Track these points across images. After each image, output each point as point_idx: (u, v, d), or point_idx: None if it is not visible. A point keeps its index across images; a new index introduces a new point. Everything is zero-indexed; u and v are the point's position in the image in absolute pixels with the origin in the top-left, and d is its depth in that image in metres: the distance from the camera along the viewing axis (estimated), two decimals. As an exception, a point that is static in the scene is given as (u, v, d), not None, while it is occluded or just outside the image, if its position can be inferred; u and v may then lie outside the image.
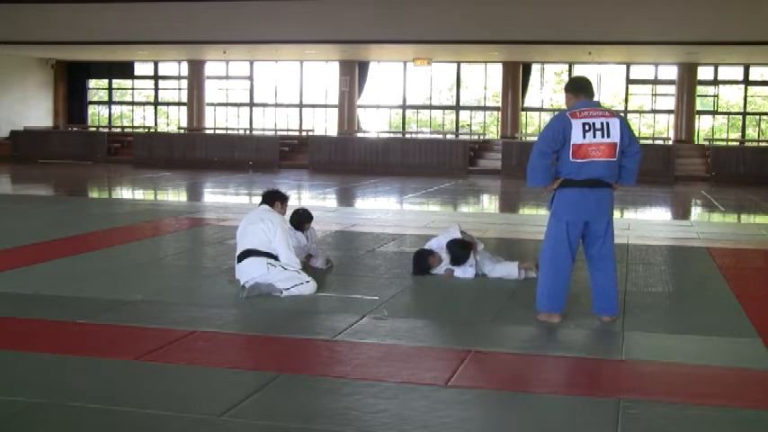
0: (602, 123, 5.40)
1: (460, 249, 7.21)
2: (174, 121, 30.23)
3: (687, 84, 24.74)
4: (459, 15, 20.04)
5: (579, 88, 5.62)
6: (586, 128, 5.38)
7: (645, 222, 12.40)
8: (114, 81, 30.27)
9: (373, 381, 4.35)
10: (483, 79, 27.31)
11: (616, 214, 7.42)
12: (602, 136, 5.39)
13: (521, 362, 4.84)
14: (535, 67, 26.52)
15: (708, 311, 6.20)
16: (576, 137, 5.37)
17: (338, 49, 24.40)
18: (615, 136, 5.42)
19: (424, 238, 8.42)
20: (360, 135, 25.92)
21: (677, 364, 4.79)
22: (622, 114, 5.74)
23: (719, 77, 25.67)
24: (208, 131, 27.57)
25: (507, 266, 7.19)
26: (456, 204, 15.61)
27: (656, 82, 26.17)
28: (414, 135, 26.26)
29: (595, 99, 5.65)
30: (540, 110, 27.39)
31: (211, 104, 28.49)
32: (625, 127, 5.50)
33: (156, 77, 29.50)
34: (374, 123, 27.85)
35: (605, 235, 5.58)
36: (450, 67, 27.13)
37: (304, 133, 26.89)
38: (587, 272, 5.83)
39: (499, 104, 26.33)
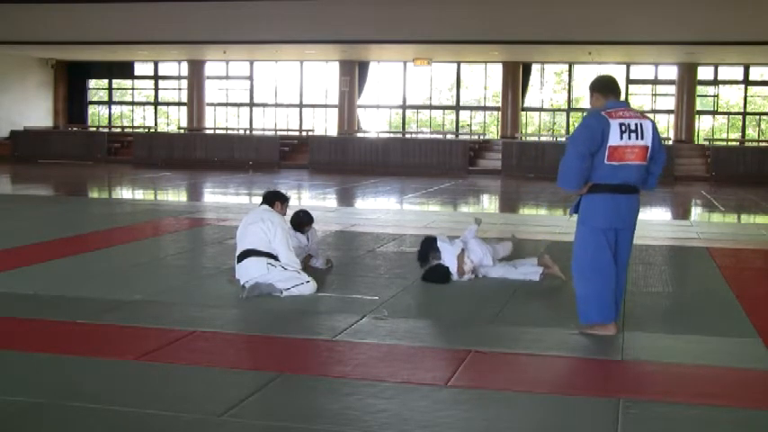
0: (636, 124, 5.19)
1: (420, 245, 7.22)
2: (174, 121, 30.24)
3: (687, 84, 24.75)
4: (459, 15, 20.03)
5: (609, 88, 5.38)
6: (623, 128, 5.14)
7: (645, 222, 12.38)
8: (114, 81, 30.29)
9: (373, 381, 4.35)
10: (483, 79, 27.31)
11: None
12: (637, 138, 5.18)
13: (521, 362, 4.83)
14: (535, 67, 26.52)
15: (707, 311, 6.20)
16: (614, 138, 5.13)
17: (338, 49, 24.40)
18: (648, 138, 5.23)
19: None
20: (360, 135, 25.92)
21: (677, 364, 4.78)
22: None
23: (719, 77, 25.68)
24: (208, 131, 27.58)
25: (528, 269, 7.08)
26: (456, 204, 15.60)
27: (656, 82, 26.17)
28: (414, 135, 26.27)
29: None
30: (540, 110, 27.41)
31: (211, 104, 28.50)
32: (655, 131, 5.33)
33: (156, 77, 29.50)
34: (374, 123, 27.85)
35: (629, 244, 5.44)
36: (451, 67, 27.13)
37: (304, 133, 26.90)
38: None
39: (499, 104, 26.34)
